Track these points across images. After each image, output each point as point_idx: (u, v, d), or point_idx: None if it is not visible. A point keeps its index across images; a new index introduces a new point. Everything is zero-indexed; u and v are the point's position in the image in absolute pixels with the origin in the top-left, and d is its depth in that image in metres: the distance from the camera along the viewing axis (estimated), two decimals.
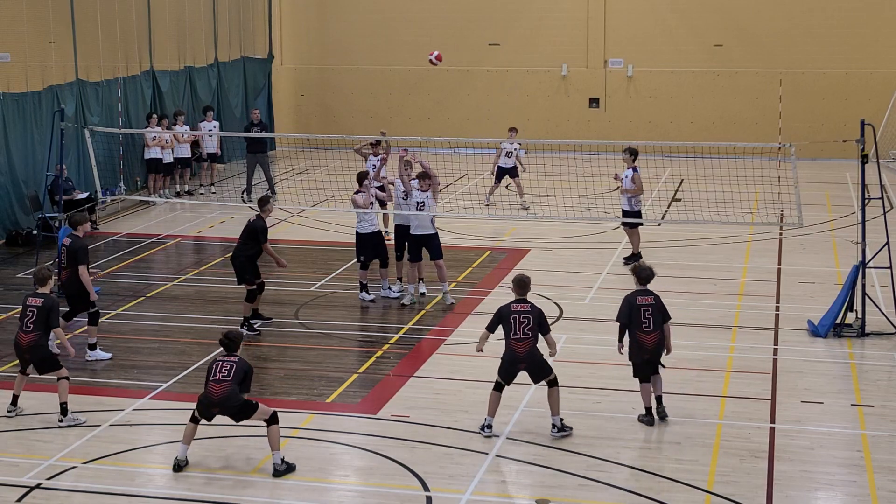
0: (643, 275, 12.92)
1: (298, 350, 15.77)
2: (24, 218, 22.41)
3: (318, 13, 35.88)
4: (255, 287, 16.47)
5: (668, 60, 33.64)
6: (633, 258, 19.76)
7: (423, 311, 17.34)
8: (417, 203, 17.59)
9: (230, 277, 19.07)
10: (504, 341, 12.47)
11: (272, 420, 11.47)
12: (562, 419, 12.46)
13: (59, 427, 12.64)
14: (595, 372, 14.54)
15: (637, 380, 12.86)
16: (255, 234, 16.34)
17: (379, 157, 21.04)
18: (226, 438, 12.21)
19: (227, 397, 11.37)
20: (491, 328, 12.64)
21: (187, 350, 15.58)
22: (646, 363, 12.68)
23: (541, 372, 12.52)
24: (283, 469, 11.40)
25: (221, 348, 11.88)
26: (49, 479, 11.33)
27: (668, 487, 11.11)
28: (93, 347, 15.22)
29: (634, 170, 19.83)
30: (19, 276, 19.65)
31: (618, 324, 12.89)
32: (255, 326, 16.42)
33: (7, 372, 14.65)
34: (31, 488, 11.12)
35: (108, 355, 15.27)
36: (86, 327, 15.47)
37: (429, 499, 10.90)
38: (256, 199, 17.80)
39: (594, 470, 11.47)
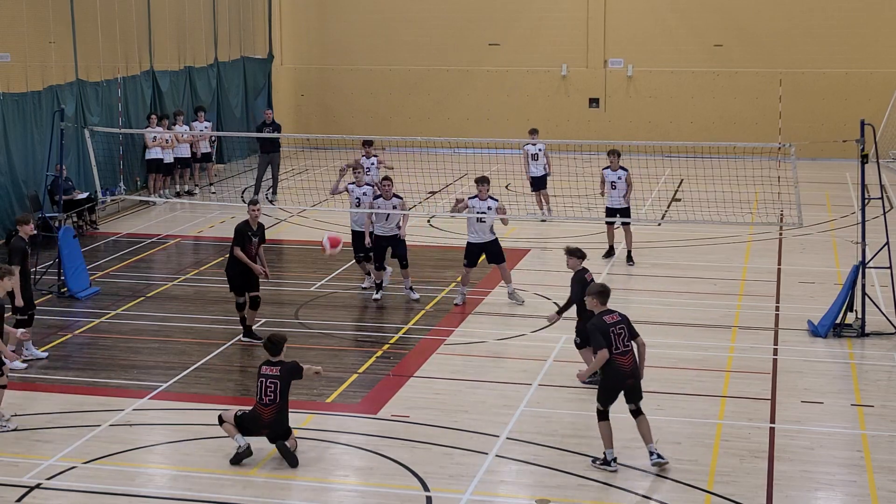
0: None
1: (298, 350, 15.75)
2: None
3: (318, 13, 35.89)
4: (241, 300, 15.84)
5: (668, 60, 33.65)
6: (628, 256, 20.11)
7: (423, 311, 17.34)
8: (479, 213, 17.34)
9: None
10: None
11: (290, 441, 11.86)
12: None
13: (51, 428, 12.64)
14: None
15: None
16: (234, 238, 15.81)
17: (372, 158, 20.95)
18: (226, 439, 12.20)
19: (276, 422, 11.70)
20: (599, 344, 11.36)
21: (187, 350, 15.57)
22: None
23: (639, 390, 11.48)
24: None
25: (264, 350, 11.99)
26: (49, 479, 11.33)
27: (668, 487, 11.11)
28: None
29: (625, 169, 20.10)
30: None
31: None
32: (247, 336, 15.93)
33: (7, 372, 14.63)
34: (31, 488, 11.12)
35: (45, 354, 15.17)
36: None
37: (429, 499, 10.90)
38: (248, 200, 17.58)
39: (594, 470, 11.46)
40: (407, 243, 17.95)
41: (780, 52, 33.00)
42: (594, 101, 34.42)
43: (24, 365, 14.72)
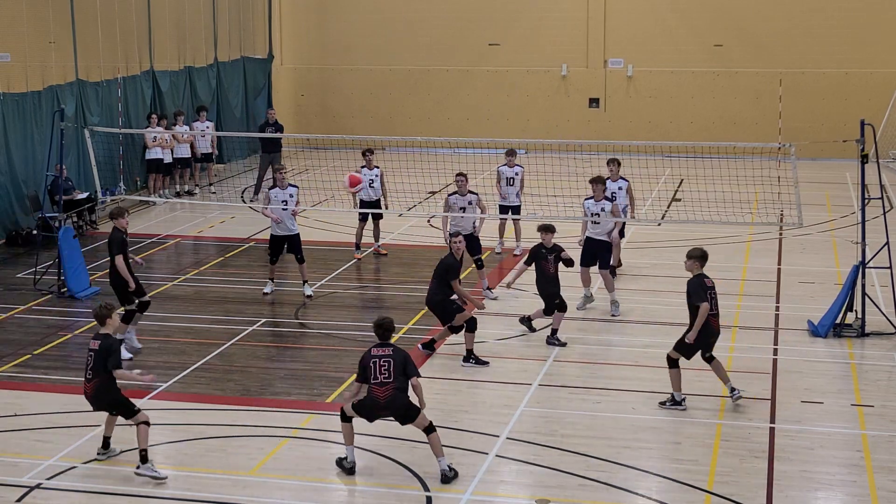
0: (699, 254, 13.21)
1: (298, 350, 15.77)
2: (24, 218, 22.41)
3: (318, 13, 35.88)
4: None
5: (668, 60, 33.65)
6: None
7: (422, 311, 17.33)
8: (593, 215, 17.21)
9: (230, 278, 19.11)
10: None
11: (430, 429, 11.37)
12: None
13: (51, 428, 12.64)
14: (595, 372, 14.54)
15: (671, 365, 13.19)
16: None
17: (375, 169, 20.65)
18: (226, 439, 12.20)
19: (393, 399, 11.29)
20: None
21: (187, 350, 15.57)
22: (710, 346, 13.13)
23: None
24: (452, 475, 11.23)
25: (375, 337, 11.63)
26: (49, 479, 11.33)
27: (668, 487, 11.11)
28: None
29: (625, 180, 19.01)
30: (19, 276, 19.65)
31: (698, 306, 12.87)
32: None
33: (7, 372, 14.66)
34: (31, 488, 11.12)
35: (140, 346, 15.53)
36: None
37: (429, 499, 10.90)
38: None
39: (594, 470, 11.47)
40: (406, 244, 17.96)
41: (780, 52, 33.00)
42: (594, 101, 34.43)
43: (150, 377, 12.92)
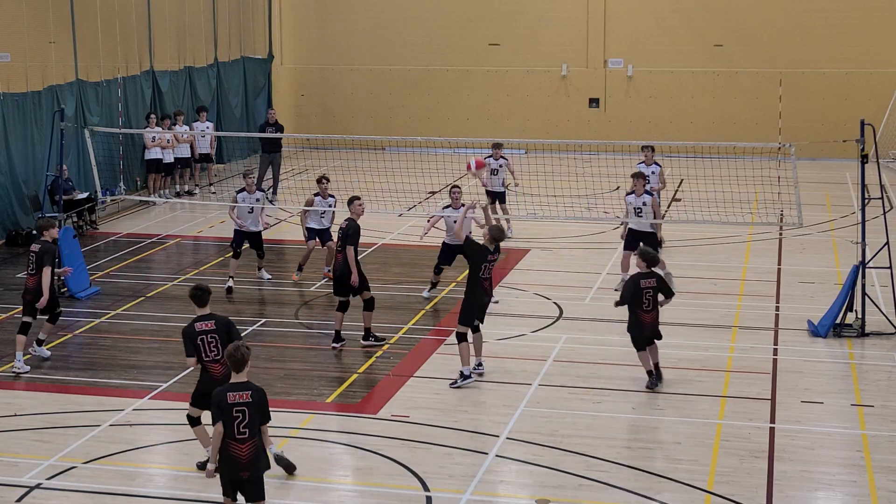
0: (648, 257, 13.81)
1: (298, 350, 15.77)
2: (24, 218, 22.41)
3: (318, 13, 35.88)
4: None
5: (668, 60, 33.65)
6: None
7: (422, 311, 17.34)
8: (635, 209, 18.00)
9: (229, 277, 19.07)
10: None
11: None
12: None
13: (51, 428, 12.64)
14: (595, 372, 14.53)
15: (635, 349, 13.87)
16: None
17: (329, 199, 20.07)
18: None
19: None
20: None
21: None
22: (645, 338, 13.80)
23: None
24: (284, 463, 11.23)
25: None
26: (49, 479, 11.33)
27: (668, 487, 11.11)
28: None
29: (658, 164, 20.20)
30: (19, 276, 19.63)
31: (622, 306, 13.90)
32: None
33: (7, 372, 14.65)
34: (31, 488, 11.12)
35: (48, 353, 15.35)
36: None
37: (429, 499, 10.90)
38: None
39: (594, 470, 11.47)
40: (406, 244, 17.97)
41: (780, 52, 33.00)
42: (594, 101, 34.42)
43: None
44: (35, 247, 14.82)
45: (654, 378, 13.77)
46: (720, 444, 12.15)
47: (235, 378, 9.39)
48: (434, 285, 18.27)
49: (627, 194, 18.25)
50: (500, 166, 22.04)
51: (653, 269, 13.88)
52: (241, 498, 9.52)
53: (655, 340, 13.90)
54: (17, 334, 14.74)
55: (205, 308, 11.07)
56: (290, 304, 17.87)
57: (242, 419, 9.24)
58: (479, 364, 14.26)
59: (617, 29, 33.92)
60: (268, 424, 9.46)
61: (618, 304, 14.03)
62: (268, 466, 9.56)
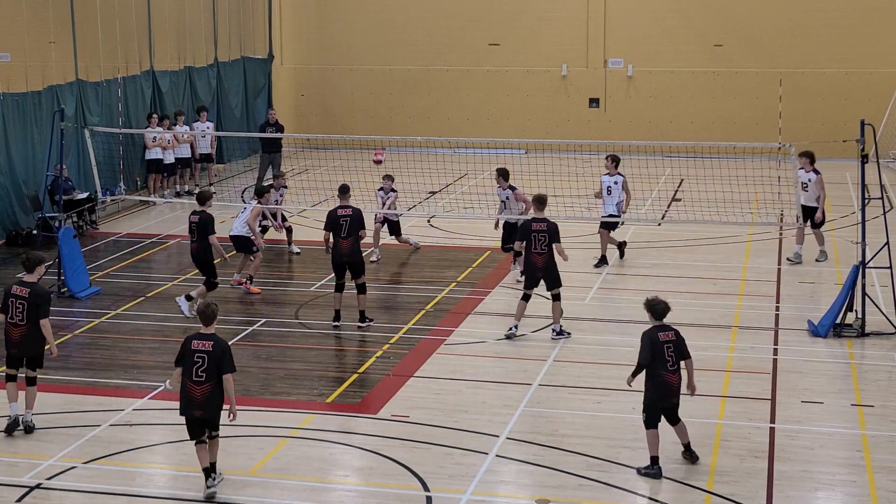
0: (657, 310, 11.63)
1: (298, 350, 15.77)
2: (24, 218, 22.41)
3: (318, 13, 35.88)
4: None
5: (668, 60, 33.65)
6: (603, 261, 19.90)
7: (422, 311, 17.34)
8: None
9: (229, 277, 19.07)
10: None
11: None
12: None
13: (51, 428, 12.64)
14: (595, 372, 14.53)
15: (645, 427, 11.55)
16: None
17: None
18: (226, 439, 12.20)
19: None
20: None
21: None
22: (666, 409, 11.45)
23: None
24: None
25: None
26: (49, 479, 11.33)
27: (668, 487, 11.11)
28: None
29: (622, 175, 19.86)
30: (19, 276, 19.61)
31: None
32: None
33: (7, 372, 14.63)
34: (31, 488, 11.12)
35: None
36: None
37: (429, 499, 10.90)
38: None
39: (594, 470, 11.46)
40: (406, 245, 18.00)
41: (780, 52, 33.00)
42: (594, 101, 34.43)
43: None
44: (195, 217, 16.75)
45: (691, 454, 11.61)
46: (720, 444, 12.15)
47: (205, 330, 10.92)
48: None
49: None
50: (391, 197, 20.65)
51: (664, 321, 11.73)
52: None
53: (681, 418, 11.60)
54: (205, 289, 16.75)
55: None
56: (290, 304, 17.87)
57: (202, 365, 10.77)
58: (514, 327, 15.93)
59: (617, 29, 33.92)
60: (232, 374, 10.88)
61: (636, 372, 11.54)
62: (219, 407, 10.91)
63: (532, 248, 15.71)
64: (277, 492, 11.06)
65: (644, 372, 11.39)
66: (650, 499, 10.89)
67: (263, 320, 16.91)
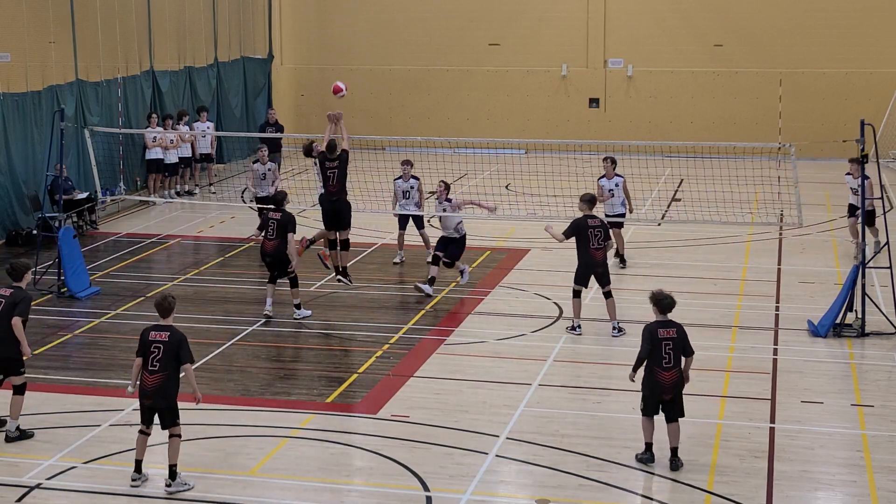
0: (664, 304, 11.80)
1: (298, 350, 15.77)
2: (24, 218, 22.41)
3: (318, 13, 35.88)
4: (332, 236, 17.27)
5: (668, 60, 33.65)
6: (622, 260, 19.96)
7: (422, 311, 17.34)
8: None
9: (229, 278, 19.10)
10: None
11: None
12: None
13: (51, 428, 12.63)
14: (595, 372, 14.54)
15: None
16: None
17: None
18: (225, 438, 12.21)
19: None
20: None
21: None
22: (663, 403, 11.49)
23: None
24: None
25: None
26: (49, 479, 11.33)
27: (668, 487, 11.11)
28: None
29: (621, 176, 19.82)
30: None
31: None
32: None
33: None
34: (31, 488, 11.12)
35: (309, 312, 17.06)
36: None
37: (429, 499, 10.90)
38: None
39: (594, 470, 11.46)
40: (406, 245, 18.06)
41: (780, 52, 33.01)
42: (594, 101, 34.43)
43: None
44: (276, 214, 17.04)
45: (675, 461, 11.46)
46: (720, 444, 12.15)
47: (163, 322, 11.39)
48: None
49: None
50: (412, 187, 20.71)
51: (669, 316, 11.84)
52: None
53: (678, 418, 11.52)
54: (291, 288, 17.00)
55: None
56: (290, 304, 17.85)
57: (157, 355, 11.12)
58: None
59: (617, 29, 33.92)
60: (192, 365, 11.26)
61: (636, 366, 11.59)
62: (173, 399, 11.13)
63: (591, 244, 15.88)
64: (277, 492, 11.06)
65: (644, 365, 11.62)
66: (650, 499, 10.89)
67: (263, 320, 16.90)
